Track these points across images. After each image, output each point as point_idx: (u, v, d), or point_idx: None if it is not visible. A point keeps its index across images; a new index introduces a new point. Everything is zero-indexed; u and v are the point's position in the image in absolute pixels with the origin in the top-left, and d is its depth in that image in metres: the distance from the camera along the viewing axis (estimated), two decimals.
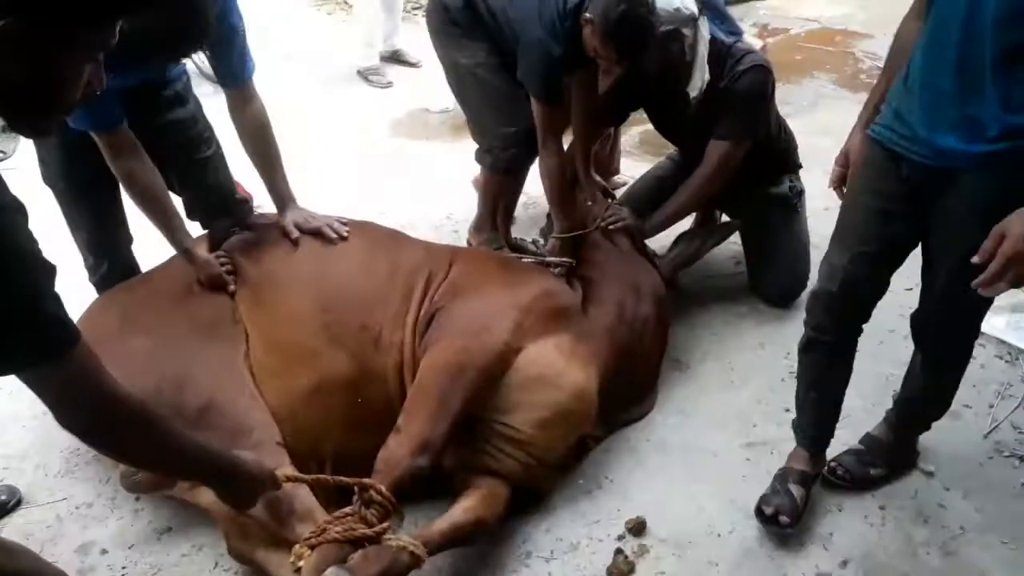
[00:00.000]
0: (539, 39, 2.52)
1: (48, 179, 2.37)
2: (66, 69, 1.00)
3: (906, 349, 2.18)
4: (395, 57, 5.44)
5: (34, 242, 1.06)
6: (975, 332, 2.03)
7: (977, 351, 2.73)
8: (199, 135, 2.52)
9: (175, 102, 2.45)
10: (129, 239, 2.54)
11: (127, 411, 1.20)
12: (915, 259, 1.95)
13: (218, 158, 2.60)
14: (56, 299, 1.09)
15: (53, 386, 1.13)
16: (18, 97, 1.00)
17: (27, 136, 1.08)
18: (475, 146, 3.05)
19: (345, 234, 2.42)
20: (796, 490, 2.14)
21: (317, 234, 2.40)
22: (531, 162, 2.99)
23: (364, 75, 5.20)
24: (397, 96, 5.04)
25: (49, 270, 1.08)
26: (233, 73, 2.30)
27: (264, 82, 2.41)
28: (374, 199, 3.63)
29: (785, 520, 2.09)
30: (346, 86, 5.10)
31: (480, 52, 2.79)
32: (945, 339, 2.03)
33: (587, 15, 2.42)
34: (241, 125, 2.38)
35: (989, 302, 1.85)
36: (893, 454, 2.27)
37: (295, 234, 2.40)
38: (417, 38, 5.53)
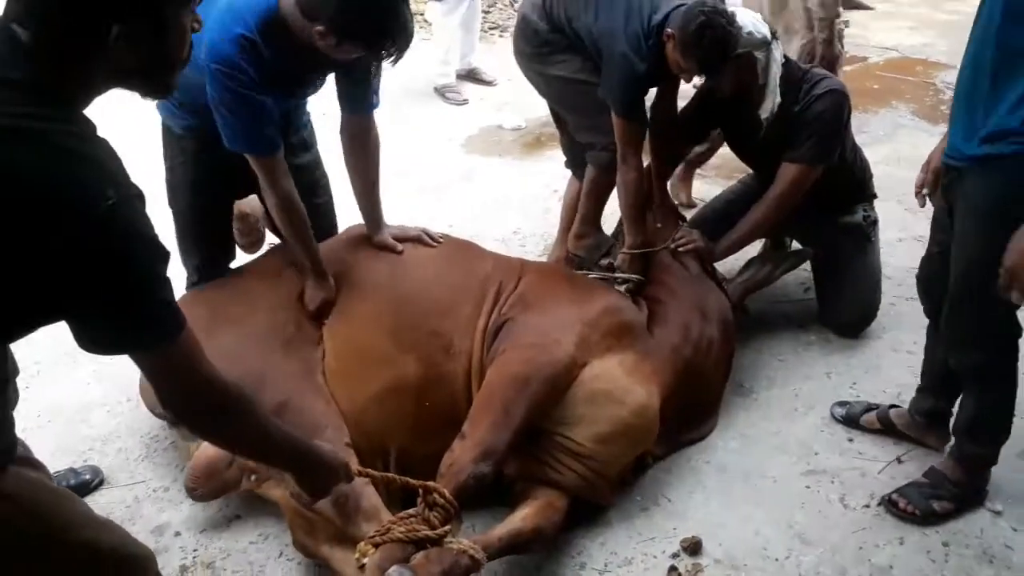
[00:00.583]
0: (623, 54, 2.57)
1: (174, 204, 2.52)
2: (174, 38, 1.10)
3: None
4: (471, 75, 5.57)
5: (152, 228, 1.12)
6: (994, 337, 2.03)
7: None
8: (318, 181, 2.68)
9: (300, 148, 2.61)
10: (229, 271, 2.66)
11: (225, 397, 1.26)
12: None
13: (331, 204, 2.76)
14: (170, 285, 1.15)
15: (160, 368, 1.19)
16: (141, 77, 1.11)
17: (157, 98, 1.17)
18: (548, 160, 3.09)
19: (440, 240, 2.55)
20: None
21: (416, 241, 2.53)
22: None
23: (441, 92, 5.34)
24: (472, 113, 5.16)
25: (164, 256, 1.14)
26: (366, 102, 2.39)
27: (322, 96, 2.49)
28: (445, 213, 3.72)
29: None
30: (423, 102, 5.24)
31: (576, 61, 2.83)
32: (962, 341, 2.07)
33: (668, 30, 2.49)
34: (355, 151, 2.48)
35: (994, 307, 1.88)
36: (959, 488, 2.24)
37: (399, 247, 2.50)
38: (493, 57, 5.69)
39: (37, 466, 1.31)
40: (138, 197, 1.09)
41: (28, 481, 1.23)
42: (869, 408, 2.58)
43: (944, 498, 2.23)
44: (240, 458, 1.45)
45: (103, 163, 1.05)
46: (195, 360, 1.20)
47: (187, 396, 1.22)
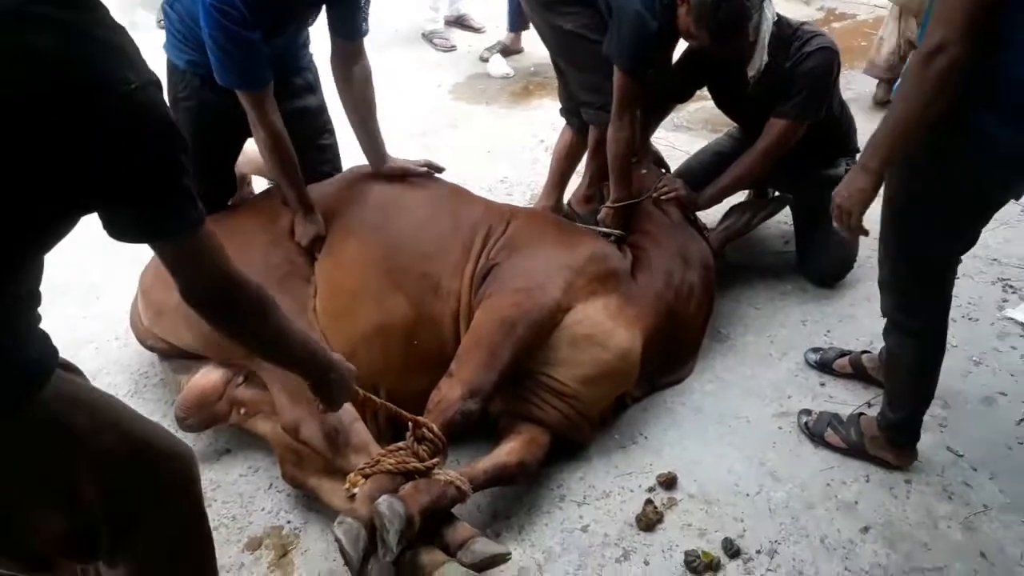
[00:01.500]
0: (636, 12, 2.54)
1: None
2: None
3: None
4: (460, 22, 5.52)
5: (171, 115, 1.12)
6: (901, 291, 2.13)
7: (1018, 342, 2.80)
8: (324, 124, 2.72)
9: (306, 90, 2.64)
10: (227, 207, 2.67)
11: (244, 291, 1.28)
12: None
13: (335, 147, 2.79)
14: (191, 175, 1.15)
15: (183, 259, 1.20)
16: None
17: None
18: (535, 110, 3.10)
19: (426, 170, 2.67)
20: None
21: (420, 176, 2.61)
22: None
23: (428, 38, 5.30)
24: (459, 60, 5.13)
25: (184, 145, 1.12)
26: (355, 27, 2.41)
27: (326, 42, 2.51)
28: (431, 160, 3.74)
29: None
30: (410, 48, 5.20)
31: (583, 15, 2.81)
32: (880, 283, 2.22)
33: None
34: (347, 79, 2.50)
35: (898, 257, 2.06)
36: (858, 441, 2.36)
37: (415, 170, 2.62)
38: (482, 3, 5.62)
39: (75, 370, 1.33)
40: (156, 84, 1.09)
41: (71, 382, 1.24)
42: (842, 354, 2.67)
43: (840, 435, 2.36)
44: (257, 357, 1.45)
45: (123, 48, 1.05)
46: (217, 252, 1.22)
47: (208, 288, 1.23)
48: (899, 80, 1.77)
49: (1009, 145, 1.72)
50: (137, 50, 1.08)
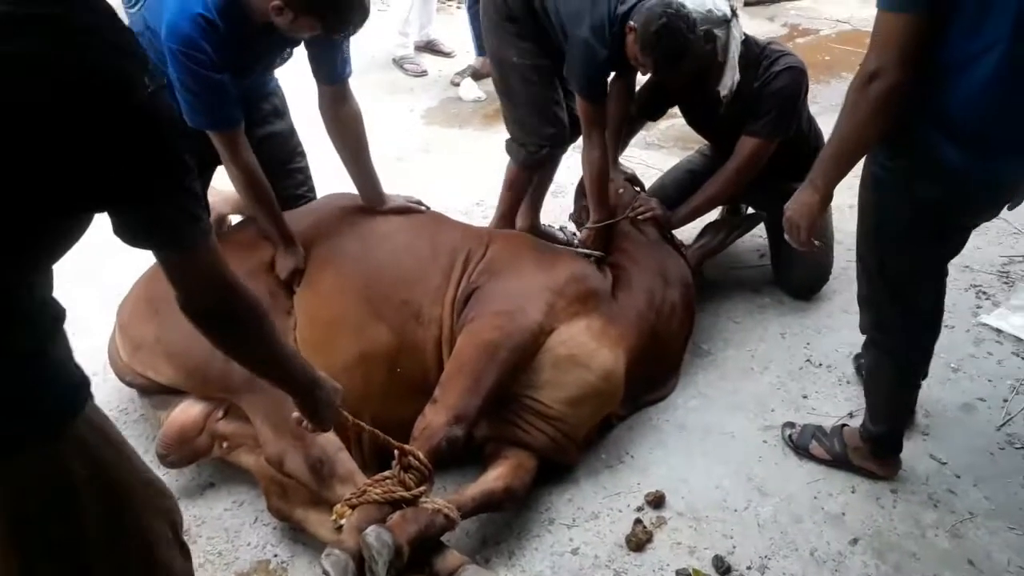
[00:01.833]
0: (585, 40, 2.58)
1: None
2: None
3: None
4: (429, 47, 5.55)
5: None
6: (878, 305, 2.16)
7: (994, 348, 2.84)
8: (294, 148, 2.71)
9: (273, 115, 2.62)
10: None
11: (245, 303, 1.26)
12: None
13: (307, 170, 2.77)
14: (197, 180, 1.15)
15: (189, 268, 1.18)
16: None
17: None
18: (505, 135, 3.13)
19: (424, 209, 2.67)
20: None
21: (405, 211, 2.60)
22: (561, 155, 3.10)
23: (399, 63, 5.32)
24: (431, 85, 5.15)
25: (188, 146, 1.12)
26: (337, 71, 2.40)
27: (298, 69, 2.50)
28: (407, 185, 3.72)
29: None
30: (381, 73, 5.22)
31: (531, 53, 2.85)
32: (859, 300, 2.29)
33: (631, 23, 2.50)
34: (337, 122, 2.49)
35: (874, 275, 2.11)
36: (841, 451, 2.37)
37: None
38: (452, 29, 5.66)
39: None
40: (165, 87, 1.10)
41: (96, 409, 1.22)
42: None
43: (824, 447, 2.38)
44: (250, 371, 1.43)
45: (136, 51, 1.04)
46: (221, 263, 1.20)
47: (212, 298, 1.21)
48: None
49: (960, 164, 1.74)
50: (145, 53, 1.07)
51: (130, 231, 1.12)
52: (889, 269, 2.02)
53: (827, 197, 1.91)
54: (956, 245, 2.01)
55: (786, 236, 2.02)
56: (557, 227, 3.41)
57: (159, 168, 1.07)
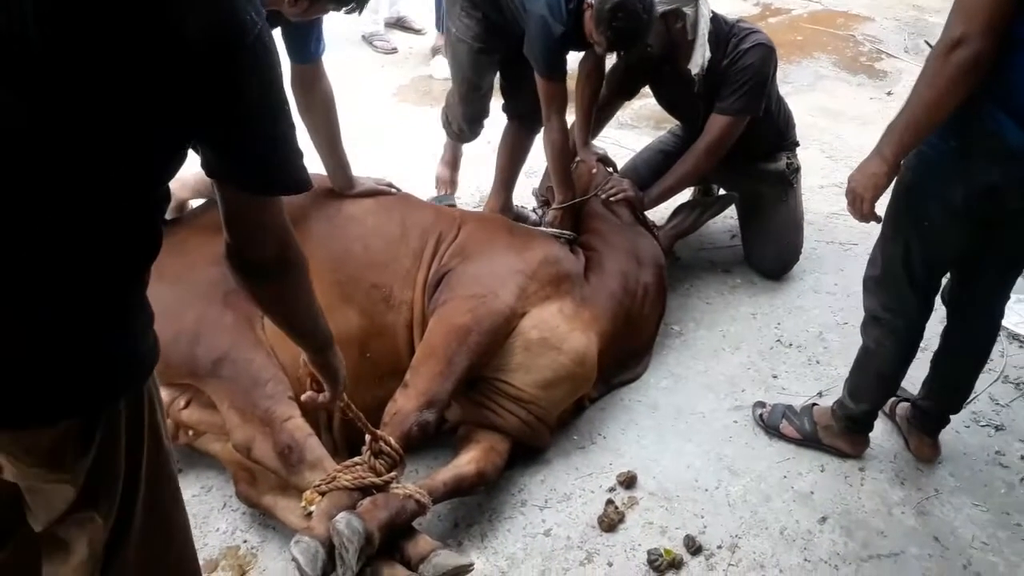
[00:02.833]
0: (541, 16, 2.55)
1: None
2: None
3: None
4: (399, 23, 5.47)
5: None
6: (884, 286, 2.13)
7: None
8: None
9: None
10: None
11: (299, 255, 1.26)
12: None
13: None
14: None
15: (263, 213, 1.16)
16: None
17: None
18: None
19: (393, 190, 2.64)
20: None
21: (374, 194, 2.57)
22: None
23: (368, 40, 5.23)
24: (402, 62, 5.08)
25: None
26: (309, 50, 2.34)
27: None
28: (375, 165, 3.68)
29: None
30: (350, 50, 5.13)
31: (471, 31, 2.86)
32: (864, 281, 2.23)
33: (588, 0, 2.47)
34: (308, 101, 2.43)
35: (885, 257, 2.06)
36: (811, 430, 2.40)
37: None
38: (421, 5, 5.57)
39: None
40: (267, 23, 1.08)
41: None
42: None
43: (794, 426, 2.40)
44: (281, 324, 1.40)
45: None
46: (285, 213, 1.20)
47: (273, 248, 1.20)
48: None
49: (1021, 147, 1.68)
50: None
51: (225, 164, 1.10)
52: (915, 254, 1.97)
53: (894, 168, 1.82)
54: (997, 237, 1.92)
55: (848, 208, 1.93)
56: (530, 208, 3.39)
57: (265, 107, 1.07)
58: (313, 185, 1.20)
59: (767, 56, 2.72)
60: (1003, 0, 1.57)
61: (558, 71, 2.68)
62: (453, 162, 3.54)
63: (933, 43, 1.76)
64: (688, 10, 2.60)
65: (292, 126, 1.12)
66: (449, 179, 3.55)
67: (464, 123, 3.22)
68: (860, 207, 1.89)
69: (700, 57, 2.66)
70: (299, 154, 1.15)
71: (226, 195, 1.15)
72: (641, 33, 2.49)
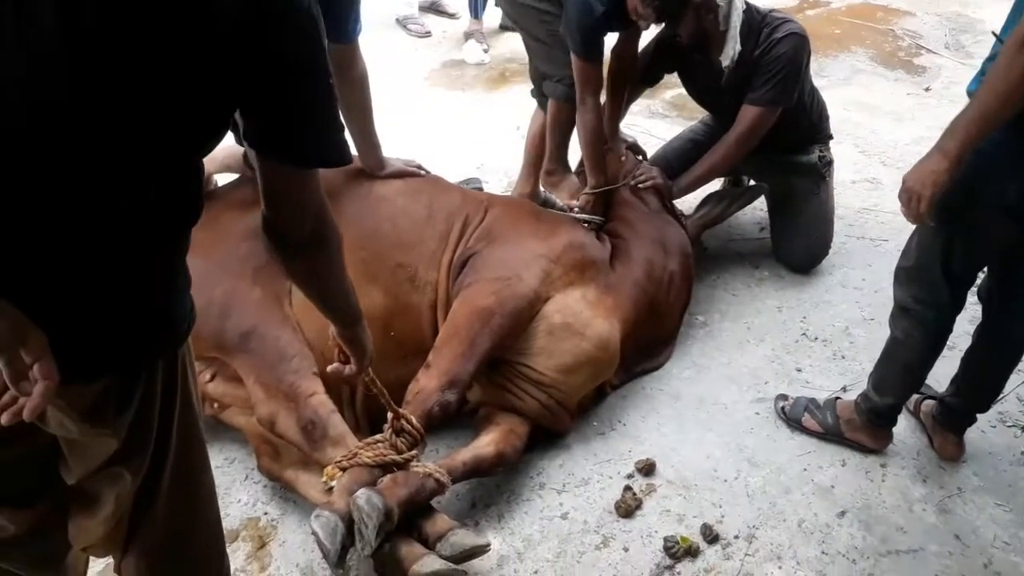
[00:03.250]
0: None
1: None
2: None
3: None
4: (434, 7, 5.48)
5: None
6: (917, 281, 2.09)
7: None
8: None
9: None
10: None
11: (335, 231, 1.27)
12: None
13: None
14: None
15: (302, 188, 1.17)
16: None
17: None
18: (513, 97, 3.09)
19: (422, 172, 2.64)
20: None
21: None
22: None
23: (403, 23, 5.25)
24: (435, 46, 5.09)
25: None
26: (349, 30, 2.33)
27: None
28: (407, 148, 3.70)
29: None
30: (384, 33, 5.15)
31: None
32: (896, 273, 2.19)
33: None
34: (343, 81, 2.40)
35: (920, 249, 2.04)
36: (834, 425, 2.38)
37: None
38: None
39: None
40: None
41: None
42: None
43: (816, 420, 2.38)
44: (315, 299, 1.40)
45: None
46: (322, 189, 1.21)
47: (310, 224, 1.21)
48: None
49: None
50: None
51: (267, 135, 1.11)
52: (958, 248, 1.94)
53: (956, 165, 1.73)
54: None
55: (901, 209, 1.85)
56: (558, 199, 3.39)
57: (314, 73, 1.07)
58: (353, 160, 1.21)
59: (800, 45, 2.68)
60: None
61: (595, 52, 2.65)
62: (532, 171, 3.30)
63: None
64: (721, 2, 2.57)
65: (334, 98, 1.13)
66: None
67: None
68: (916, 207, 1.79)
69: (731, 49, 2.64)
70: (340, 128, 1.15)
71: (267, 168, 1.15)
72: (687, 5, 2.47)
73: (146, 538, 1.31)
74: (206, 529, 1.42)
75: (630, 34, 2.84)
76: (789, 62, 2.67)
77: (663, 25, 2.76)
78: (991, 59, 1.78)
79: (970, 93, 1.83)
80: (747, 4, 2.68)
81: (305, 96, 1.08)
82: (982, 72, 1.83)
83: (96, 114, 0.94)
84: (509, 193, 3.42)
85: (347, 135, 1.29)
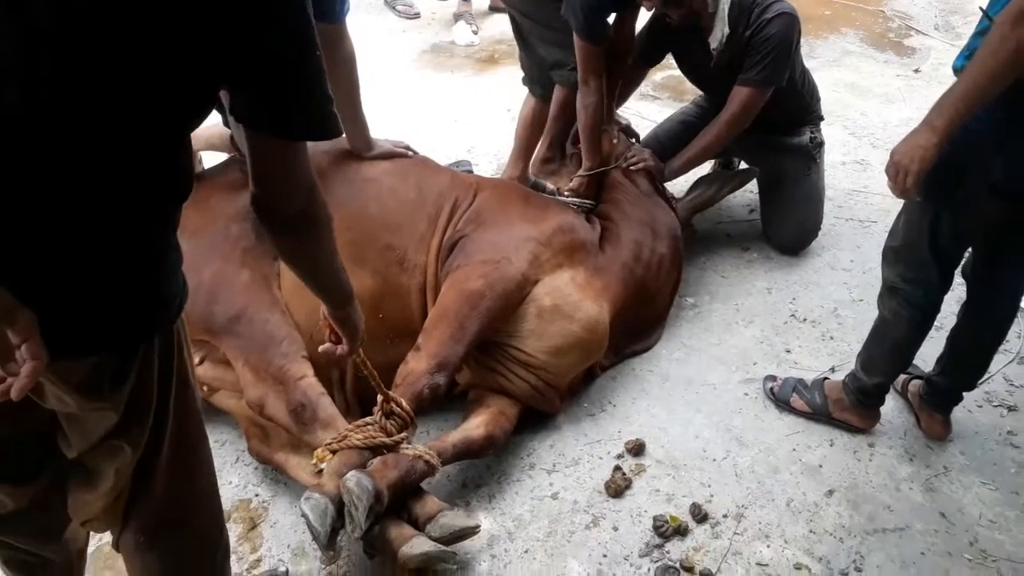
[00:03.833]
0: None
1: None
2: None
3: None
4: None
5: None
6: (905, 262, 2.10)
7: None
8: None
9: None
10: None
11: (325, 209, 1.25)
12: None
13: None
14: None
15: (291, 162, 1.15)
16: None
17: None
18: (502, 78, 3.06)
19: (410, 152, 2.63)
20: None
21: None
22: None
23: (391, 4, 5.21)
24: (424, 27, 5.06)
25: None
26: (336, 9, 2.31)
27: None
28: (397, 130, 3.68)
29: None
30: (372, 14, 5.12)
31: None
32: (884, 253, 2.21)
33: None
34: (330, 61, 2.34)
35: (907, 230, 2.05)
36: (822, 403, 2.41)
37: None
38: None
39: None
40: None
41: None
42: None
43: (805, 400, 2.40)
44: (306, 277, 1.39)
45: None
46: (311, 167, 1.20)
47: (300, 200, 1.19)
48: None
49: None
50: None
51: (255, 106, 1.09)
52: (945, 225, 1.95)
53: (944, 140, 1.73)
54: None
55: (888, 183, 1.84)
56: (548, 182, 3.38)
57: (300, 43, 1.06)
58: (343, 132, 1.19)
59: (790, 24, 2.67)
60: None
61: (599, 33, 2.62)
62: (523, 154, 3.27)
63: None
64: None
65: (322, 71, 1.11)
66: None
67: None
68: (903, 181, 1.80)
69: (719, 32, 2.62)
70: (329, 99, 1.13)
71: (255, 143, 1.14)
72: None
73: (145, 512, 1.32)
74: (205, 503, 1.43)
75: (627, 15, 2.81)
76: (780, 42, 2.66)
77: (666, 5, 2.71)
78: (979, 34, 1.78)
79: (956, 69, 1.84)
80: None
81: (294, 67, 1.07)
82: (968, 48, 1.83)
83: (84, 87, 0.93)
84: (499, 176, 3.41)
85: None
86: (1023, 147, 1.75)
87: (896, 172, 1.80)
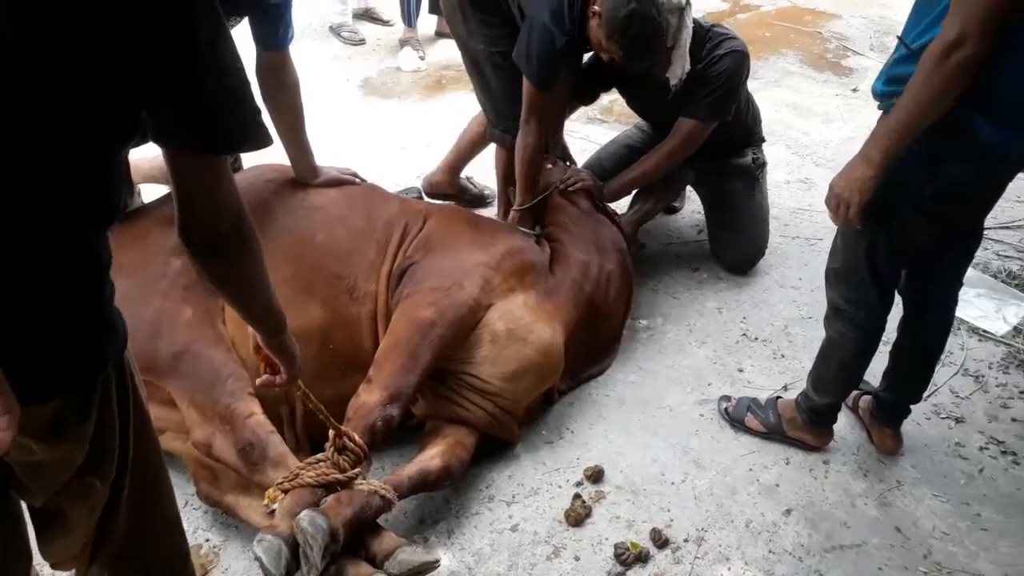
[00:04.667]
0: (544, 25, 2.44)
1: None
2: None
3: None
4: (367, 14, 5.42)
5: None
6: (846, 283, 2.14)
7: None
8: None
9: None
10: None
11: (253, 231, 1.20)
12: None
13: None
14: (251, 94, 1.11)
15: (216, 181, 1.11)
16: None
17: None
18: (450, 104, 3.05)
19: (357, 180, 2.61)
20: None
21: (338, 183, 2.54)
22: None
23: (336, 31, 5.18)
24: (369, 54, 5.03)
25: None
26: (279, 37, 2.29)
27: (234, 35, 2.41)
28: (342, 157, 3.63)
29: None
30: (317, 41, 5.08)
31: (499, 39, 2.68)
32: (826, 275, 2.24)
33: (595, 7, 2.38)
34: (274, 89, 2.38)
35: (846, 250, 2.09)
36: (776, 423, 2.42)
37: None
38: None
39: None
40: None
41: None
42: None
43: (759, 419, 2.42)
44: (236, 304, 1.35)
45: None
46: (237, 187, 1.15)
47: (227, 223, 1.14)
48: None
49: (996, 142, 1.70)
50: None
51: (176, 121, 1.05)
52: (882, 249, 1.98)
53: (881, 171, 1.78)
54: (960, 231, 1.99)
55: (830, 215, 1.90)
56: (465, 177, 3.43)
57: (220, 53, 1.03)
58: (273, 141, 1.15)
59: (740, 61, 2.70)
60: (1003, 1, 1.56)
61: (552, 81, 2.54)
62: (454, 165, 3.35)
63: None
64: (672, 19, 2.47)
65: (246, 83, 1.08)
66: None
67: None
68: (844, 213, 1.85)
69: (680, 68, 2.56)
70: (255, 110, 1.10)
71: (178, 163, 1.10)
72: (657, 40, 2.39)
73: (111, 545, 1.28)
74: (169, 529, 1.41)
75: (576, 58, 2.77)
76: (729, 79, 2.69)
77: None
78: (897, 61, 1.84)
79: (875, 93, 1.90)
80: (694, 20, 2.66)
81: (212, 76, 1.03)
82: (884, 74, 1.89)
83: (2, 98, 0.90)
84: (421, 180, 3.43)
85: (276, 147, 1.24)
86: (948, 174, 1.80)
87: (837, 204, 1.86)
